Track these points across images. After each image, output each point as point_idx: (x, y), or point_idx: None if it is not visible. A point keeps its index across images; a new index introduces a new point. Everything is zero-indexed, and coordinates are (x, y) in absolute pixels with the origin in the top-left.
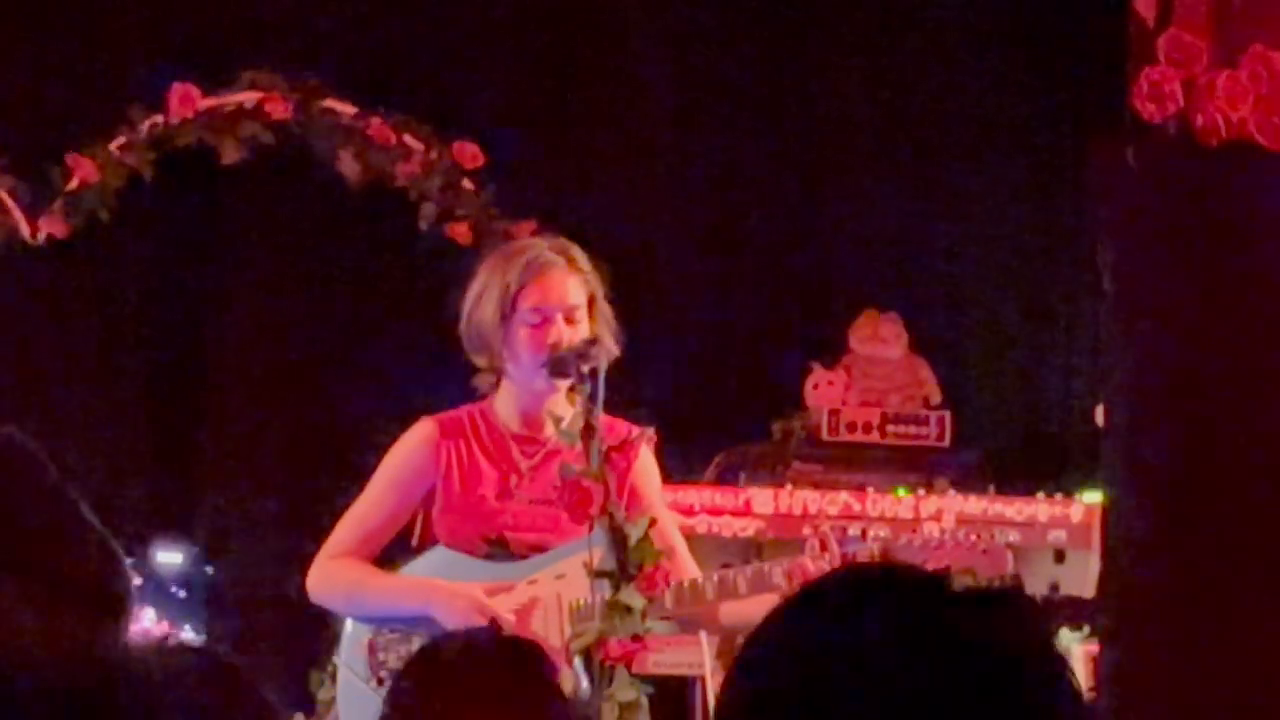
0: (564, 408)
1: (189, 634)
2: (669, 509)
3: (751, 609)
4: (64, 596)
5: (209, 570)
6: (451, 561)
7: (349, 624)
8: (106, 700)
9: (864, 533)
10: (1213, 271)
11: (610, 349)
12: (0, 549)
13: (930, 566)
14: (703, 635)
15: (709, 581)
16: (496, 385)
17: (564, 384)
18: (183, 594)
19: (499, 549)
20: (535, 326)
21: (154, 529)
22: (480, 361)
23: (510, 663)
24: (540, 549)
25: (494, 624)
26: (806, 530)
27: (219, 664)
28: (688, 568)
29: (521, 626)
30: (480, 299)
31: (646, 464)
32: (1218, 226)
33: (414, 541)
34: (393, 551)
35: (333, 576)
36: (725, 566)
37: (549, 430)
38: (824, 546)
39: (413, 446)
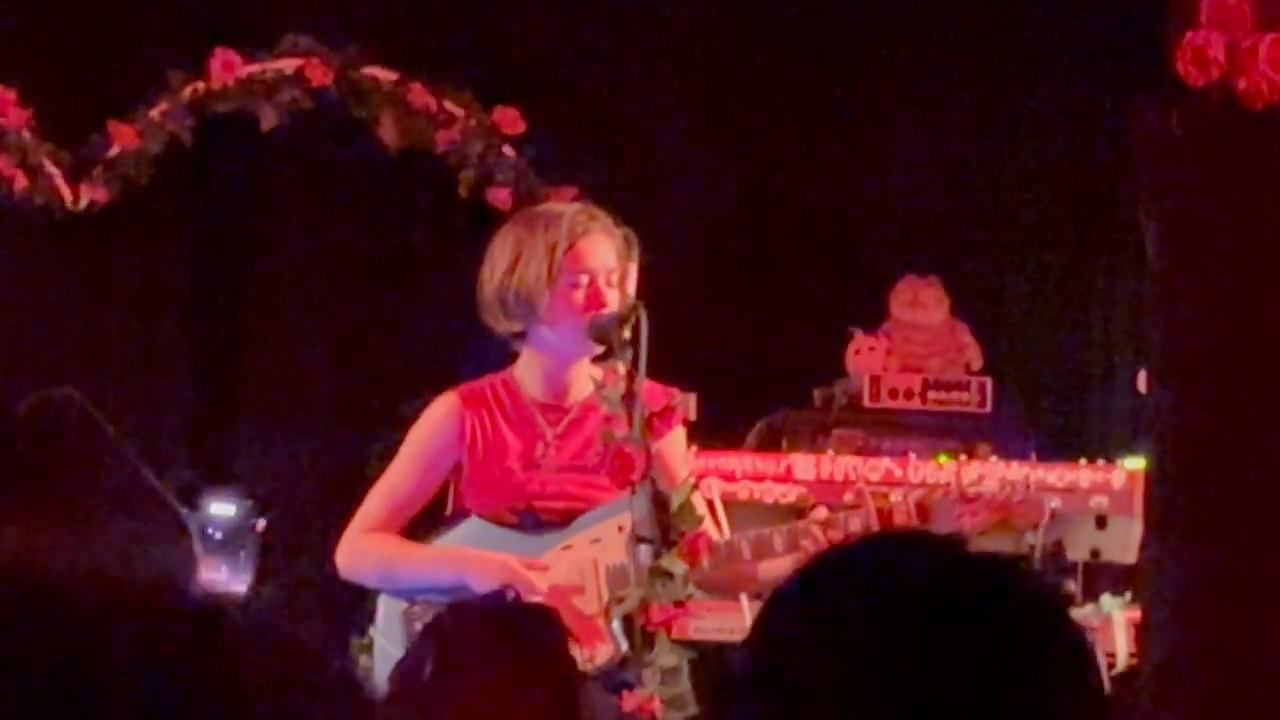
0: (598, 371)
1: (235, 582)
2: (704, 476)
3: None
4: (132, 551)
5: (260, 523)
6: (484, 531)
7: (384, 595)
8: (183, 650)
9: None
10: (1257, 235)
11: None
12: (69, 506)
13: (967, 519)
14: (744, 601)
15: (745, 540)
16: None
17: (598, 349)
18: (219, 535)
19: (528, 518)
20: (581, 290)
21: (199, 491)
22: (513, 327)
23: (516, 631)
24: (569, 516)
25: (514, 592)
26: (848, 496)
27: (268, 625)
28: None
29: (558, 591)
30: (519, 263)
31: (676, 432)
32: (1262, 190)
33: (447, 512)
34: (425, 522)
35: (364, 551)
36: None
37: (573, 397)
38: (859, 501)
39: (437, 420)
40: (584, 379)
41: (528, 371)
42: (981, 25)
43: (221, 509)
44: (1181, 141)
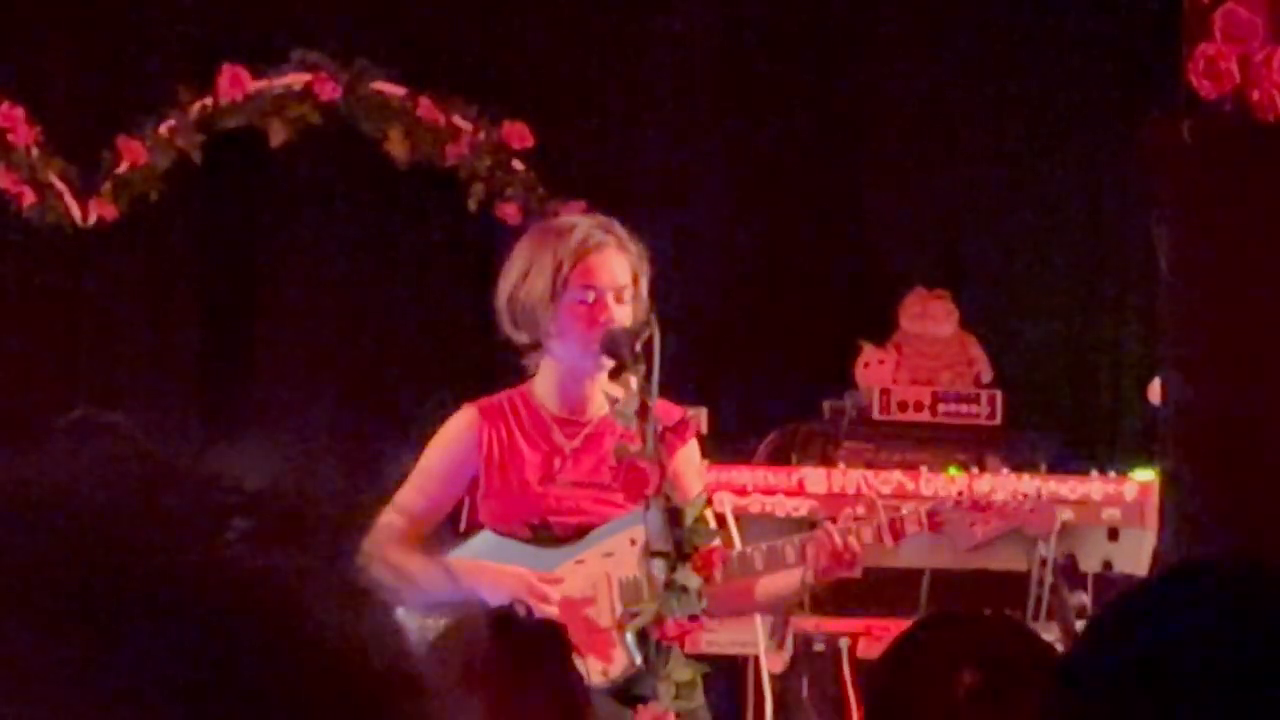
0: (615, 388)
1: None
2: (715, 490)
3: (778, 584)
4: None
5: None
6: (498, 545)
7: (399, 612)
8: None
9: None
10: (1269, 246)
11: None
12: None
13: (979, 527)
14: (756, 615)
15: (758, 552)
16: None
17: (609, 364)
18: None
19: (542, 532)
20: (587, 305)
21: None
22: (521, 338)
23: (514, 648)
24: (582, 530)
25: (524, 607)
26: (860, 509)
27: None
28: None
29: (571, 605)
30: (528, 276)
31: (690, 449)
32: (1274, 201)
33: (461, 527)
34: (439, 537)
35: (379, 562)
36: None
37: (591, 412)
38: (870, 511)
39: (455, 433)
40: (602, 394)
41: (544, 385)
42: (993, 37)
43: None
44: (1194, 153)
